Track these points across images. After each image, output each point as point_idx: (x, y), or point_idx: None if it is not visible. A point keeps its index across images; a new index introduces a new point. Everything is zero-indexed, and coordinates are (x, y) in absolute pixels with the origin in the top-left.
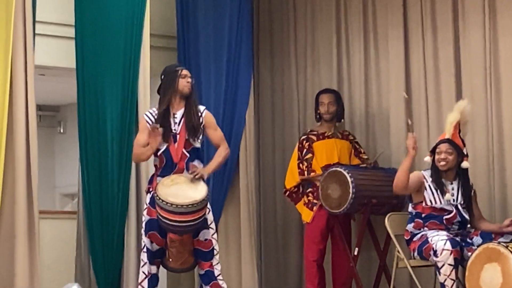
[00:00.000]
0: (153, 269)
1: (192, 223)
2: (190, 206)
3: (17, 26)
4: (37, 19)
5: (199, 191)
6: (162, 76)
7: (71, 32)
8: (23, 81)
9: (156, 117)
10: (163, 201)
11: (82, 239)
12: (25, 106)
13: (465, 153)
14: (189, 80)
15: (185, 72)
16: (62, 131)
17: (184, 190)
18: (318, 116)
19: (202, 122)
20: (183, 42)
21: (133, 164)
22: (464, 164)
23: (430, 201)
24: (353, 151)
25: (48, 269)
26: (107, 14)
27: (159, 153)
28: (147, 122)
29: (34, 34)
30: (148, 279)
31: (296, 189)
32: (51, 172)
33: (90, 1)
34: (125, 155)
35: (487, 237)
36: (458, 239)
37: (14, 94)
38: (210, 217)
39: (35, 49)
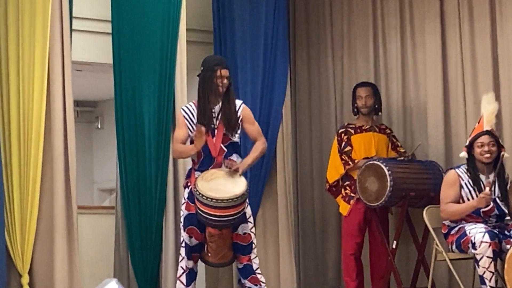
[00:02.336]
0: (191, 263)
1: (232, 217)
2: (230, 200)
3: (54, 22)
4: (74, 14)
5: (239, 185)
6: (202, 68)
7: (108, 27)
8: (61, 77)
9: (194, 112)
10: (203, 195)
11: (121, 234)
12: (62, 102)
13: (502, 144)
14: (225, 81)
15: (223, 72)
16: (99, 126)
17: (224, 185)
18: (355, 110)
19: (239, 117)
20: (219, 36)
21: (171, 159)
22: (503, 155)
23: (468, 199)
24: (390, 144)
25: (87, 264)
26: (144, 9)
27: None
28: (184, 117)
29: (71, 30)
30: (186, 274)
31: (336, 183)
32: (89, 168)
33: None
34: (163, 150)
35: None
36: (496, 231)
37: (52, 90)
38: (248, 211)
39: (72, 45)
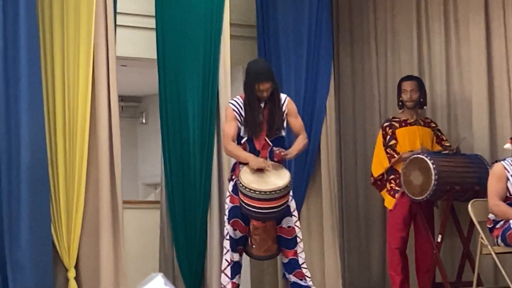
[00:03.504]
0: (236, 256)
1: (275, 209)
2: (273, 192)
3: (98, 17)
4: (118, 10)
5: (282, 177)
6: (246, 73)
7: (152, 22)
8: (105, 72)
9: (242, 105)
10: (246, 187)
11: (166, 228)
12: (107, 97)
13: None
14: (265, 94)
15: (261, 87)
16: (144, 121)
17: (267, 177)
18: (400, 103)
19: (284, 111)
20: (262, 31)
21: (215, 153)
22: None
23: None
24: (435, 138)
25: (132, 259)
26: (188, 4)
27: (242, 141)
28: (234, 110)
29: (116, 26)
30: (231, 267)
31: (380, 176)
32: (134, 163)
33: None
34: (207, 144)
35: None
36: None
37: (96, 85)
38: (293, 204)
39: (117, 41)
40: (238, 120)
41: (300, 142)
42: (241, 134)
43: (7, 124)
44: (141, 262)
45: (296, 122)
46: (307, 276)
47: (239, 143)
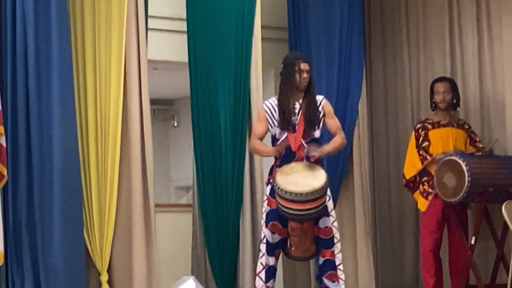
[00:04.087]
0: (271, 260)
1: (312, 211)
2: (309, 194)
3: (130, 21)
4: (149, 13)
5: (319, 178)
6: (282, 65)
7: (183, 26)
8: (137, 75)
9: (276, 107)
10: (282, 189)
11: (198, 231)
12: (139, 101)
13: None
14: (306, 75)
15: (303, 66)
16: (176, 124)
17: (303, 178)
18: (433, 105)
19: (321, 112)
20: (294, 33)
21: (247, 156)
22: None
23: None
24: (468, 140)
25: (165, 262)
26: (218, 7)
27: (278, 143)
28: (266, 111)
29: (147, 29)
30: (266, 270)
31: (413, 178)
32: (166, 166)
33: None
34: (239, 147)
35: None
36: None
37: (128, 89)
38: (330, 204)
39: (148, 44)
40: (269, 122)
41: (336, 140)
42: (277, 136)
43: (39, 128)
44: (173, 266)
45: (334, 123)
46: (341, 278)
47: (274, 145)
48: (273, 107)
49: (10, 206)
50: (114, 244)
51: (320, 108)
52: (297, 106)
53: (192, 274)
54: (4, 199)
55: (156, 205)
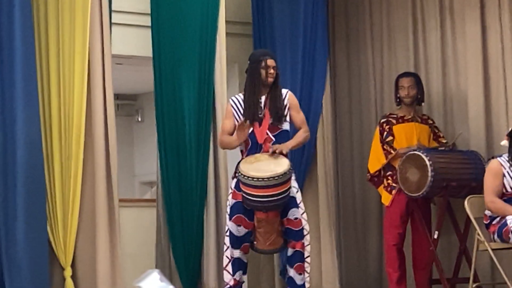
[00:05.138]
0: (236, 253)
1: (275, 197)
2: (271, 179)
3: (93, 15)
4: (113, 8)
5: (281, 165)
6: (249, 62)
7: (147, 20)
8: (101, 70)
9: (241, 103)
10: (244, 175)
11: (162, 226)
12: (103, 96)
13: None
14: (272, 71)
15: (269, 62)
16: (140, 119)
17: (266, 166)
18: (398, 100)
19: (286, 104)
20: (258, 28)
21: (211, 151)
22: None
23: (510, 187)
24: (432, 135)
25: (129, 256)
26: (183, 2)
27: (237, 127)
28: (232, 106)
29: (111, 24)
30: (232, 263)
31: (377, 173)
32: (130, 161)
33: None
34: (203, 142)
35: None
36: None
37: (92, 83)
38: (299, 196)
39: (112, 39)
40: (236, 117)
41: (299, 135)
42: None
43: (3, 123)
44: (137, 260)
45: (298, 116)
46: (306, 271)
47: None
48: (239, 102)
49: None
50: (78, 239)
51: (285, 101)
52: (262, 99)
53: (156, 268)
54: None
55: (120, 200)
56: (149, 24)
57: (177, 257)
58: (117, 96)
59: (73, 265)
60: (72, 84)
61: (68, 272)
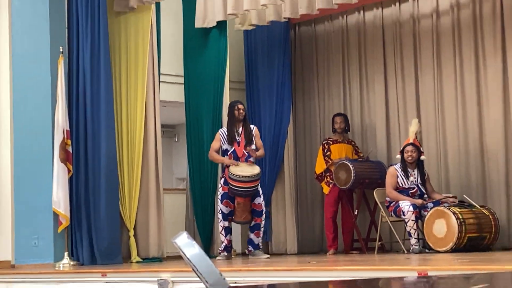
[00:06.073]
0: (226, 223)
1: (251, 189)
2: (250, 177)
3: (148, 76)
4: (161, 72)
5: (256, 169)
6: (228, 107)
7: (181, 79)
8: (153, 109)
9: (225, 133)
10: (233, 174)
11: (189, 206)
12: (154, 125)
13: (422, 151)
14: (241, 112)
15: (239, 106)
16: (177, 140)
17: (246, 169)
18: (333, 129)
19: (253, 135)
20: (249, 84)
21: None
22: (422, 158)
23: (401, 184)
24: (354, 151)
25: (168, 225)
26: (203, 67)
27: (228, 153)
28: (221, 134)
29: (160, 81)
30: (224, 229)
31: (321, 174)
32: (170, 165)
33: (192, 60)
34: None
35: (436, 203)
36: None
37: (148, 118)
38: (260, 190)
39: (160, 90)
40: (222, 141)
41: (260, 152)
42: (227, 149)
43: (92, 140)
44: (173, 227)
45: (259, 142)
46: (261, 235)
47: (226, 154)
48: (224, 132)
49: (74, 190)
50: (138, 213)
51: (253, 132)
52: (240, 130)
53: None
54: (71, 185)
55: (164, 189)
56: (183, 81)
57: (198, 225)
58: (163, 126)
59: (134, 229)
60: (135, 117)
61: (131, 233)
